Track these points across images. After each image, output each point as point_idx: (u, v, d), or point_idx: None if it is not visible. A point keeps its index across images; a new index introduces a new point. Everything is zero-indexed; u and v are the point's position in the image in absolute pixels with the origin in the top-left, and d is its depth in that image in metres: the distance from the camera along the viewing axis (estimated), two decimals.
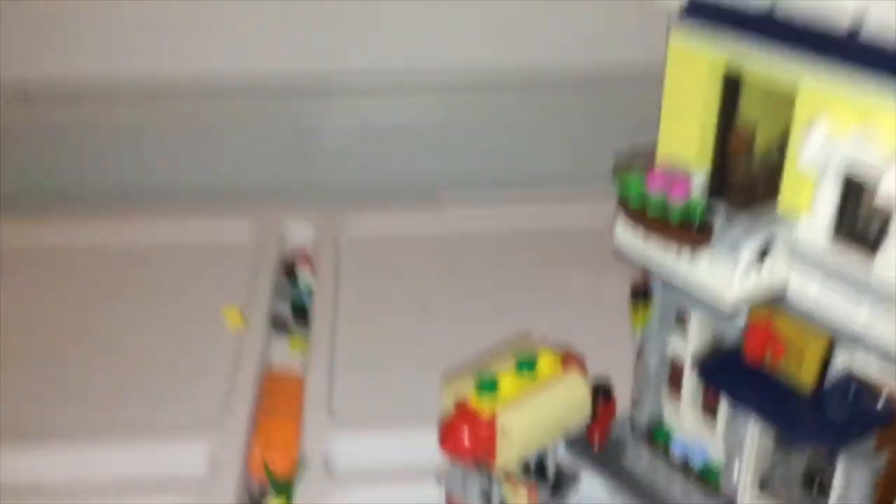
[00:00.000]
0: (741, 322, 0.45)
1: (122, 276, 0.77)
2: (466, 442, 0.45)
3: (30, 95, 0.86)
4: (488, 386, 0.46)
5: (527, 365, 0.48)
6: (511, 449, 0.45)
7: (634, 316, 0.51)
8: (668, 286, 0.49)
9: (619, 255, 0.48)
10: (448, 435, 0.45)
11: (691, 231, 0.42)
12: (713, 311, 0.45)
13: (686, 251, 0.43)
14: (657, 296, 0.50)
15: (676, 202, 0.42)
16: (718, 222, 0.42)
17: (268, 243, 0.80)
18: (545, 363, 0.48)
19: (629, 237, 0.48)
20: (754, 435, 0.47)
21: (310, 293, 0.74)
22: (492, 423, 0.45)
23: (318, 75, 0.88)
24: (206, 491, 0.55)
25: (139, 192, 0.90)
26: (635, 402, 0.56)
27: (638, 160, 0.47)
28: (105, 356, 0.67)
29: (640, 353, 0.54)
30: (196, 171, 0.90)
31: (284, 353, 0.69)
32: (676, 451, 0.54)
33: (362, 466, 0.58)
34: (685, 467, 0.53)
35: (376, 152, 0.91)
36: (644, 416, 0.55)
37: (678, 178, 0.43)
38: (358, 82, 0.89)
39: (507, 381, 0.47)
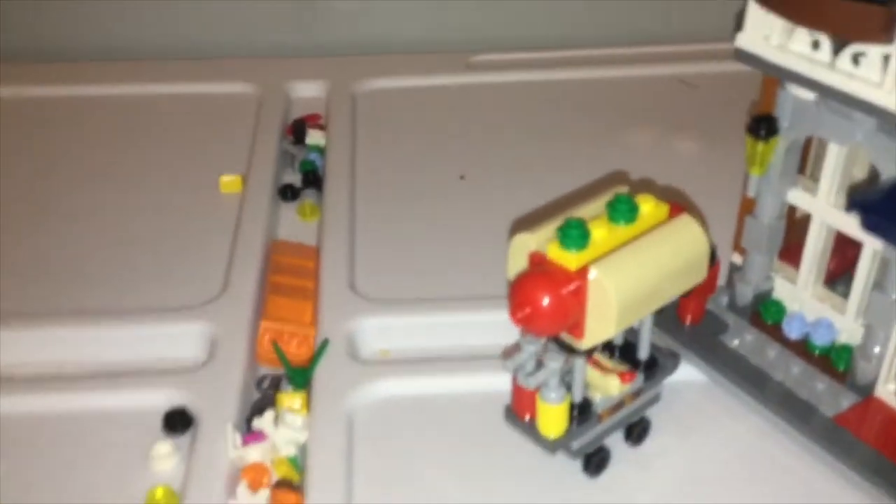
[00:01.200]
0: None
1: (119, 138, 0.65)
2: (547, 306, 0.33)
3: None
4: (576, 235, 0.33)
5: (624, 211, 0.35)
6: (607, 318, 0.34)
7: (751, 155, 0.40)
8: (803, 107, 0.38)
9: (744, 59, 0.37)
10: (521, 298, 0.33)
11: (871, 5, 0.30)
12: (887, 129, 0.33)
13: (861, 37, 0.31)
14: (787, 121, 0.39)
15: None
16: None
17: (272, 102, 0.68)
18: (648, 210, 0.36)
19: (759, 35, 0.36)
20: None
21: (321, 155, 0.62)
22: (581, 281, 0.33)
23: None
24: (207, 378, 0.44)
25: (138, 49, 0.77)
26: (739, 270, 0.45)
27: None
28: (95, 226, 0.57)
29: (749, 206, 0.43)
30: (191, 27, 0.77)
31: (293, 223, 0.58)
32: (791, 329, 0.43)
33: (396, 352, 0.48)
34: (802, 348, 0.43)
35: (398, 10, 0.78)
36: (750, 287, 0.44)
37: None
38: None
39: (601, 232, 0.34)
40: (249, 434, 0.42)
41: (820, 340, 0.42)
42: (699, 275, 0.37)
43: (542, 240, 0.35)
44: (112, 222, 0.57)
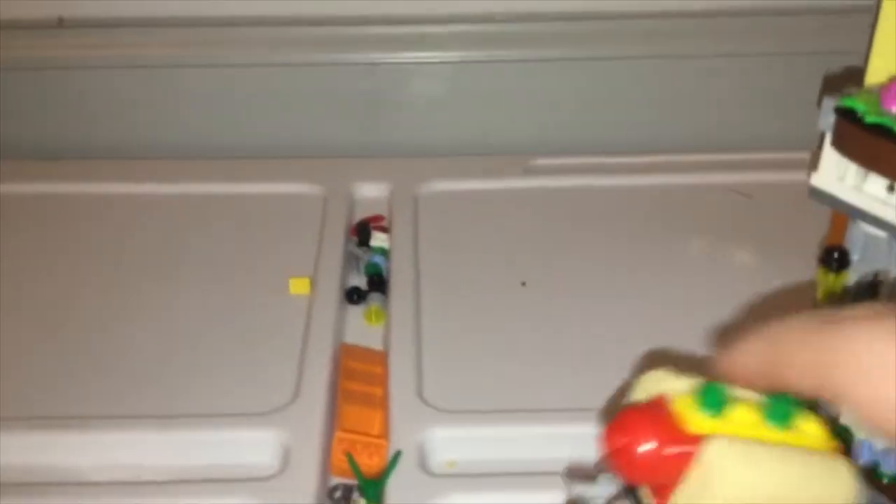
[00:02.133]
0: None
1: (187, 237, 0.67)
2: (646, 450, 0.29)
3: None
4: (715, 398, 0.30)
5: (779, 414, 0.30)
6: (701, 491, 0.29)
7: (822, 284, 0.41)
8: (875, 243, 0.39)
9: (818, 197, 0.38)
10: (624, 426, 0.30)
11: None
12: None
13: None
14: (858, 254, 0.40)
15: None
16: None
17: (336, 203, 0.70)
18: (809, 426, 0.30)
19: (834, 175, 0.37)
20: None
21: (385, 257, 0.64)
22: (694, 448, 0.29)
23: (396, 21, 0.77)
24: (280, 487, 0.46)
25: (208, 148, 0.80)
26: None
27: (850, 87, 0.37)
28: (159, 331, 0.58)
29: None
30: (257, 129, 0.80)
31: (360, 327, 0.59)
32: (860, 455, 0.43)
33: (464, 464, 0.49)
34: (871, 476, 0.43)
35: (461, 115, 0.80)
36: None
37: None
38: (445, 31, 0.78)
39: (742, 413, 0.30)
40: None
41: (889, 468, 0.42)
42: None
43: (678, 387, 0.31)
44: (181, 324, 0.58)
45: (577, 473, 0.38)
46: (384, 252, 0.65)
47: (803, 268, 0.47)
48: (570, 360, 0.55)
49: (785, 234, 0.64)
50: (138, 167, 0.75)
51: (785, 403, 0.29)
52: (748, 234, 0.66)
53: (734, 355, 0.29)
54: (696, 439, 0.29)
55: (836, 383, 0.25)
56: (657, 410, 0.30)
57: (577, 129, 0.80)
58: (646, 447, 0.29)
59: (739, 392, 0.30)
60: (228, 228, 0.68)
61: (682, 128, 0.80)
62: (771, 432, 0.29)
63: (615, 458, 0.30)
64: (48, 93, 0.78)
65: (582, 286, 0.61)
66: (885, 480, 0.42)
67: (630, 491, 0.31)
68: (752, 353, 0.29)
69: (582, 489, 0.34)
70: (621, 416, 0.30)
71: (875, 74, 0.38)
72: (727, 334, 0.30)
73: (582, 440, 0.48)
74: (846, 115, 0.35)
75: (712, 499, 0.28)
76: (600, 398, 0.52)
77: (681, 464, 0.29)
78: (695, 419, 0.29)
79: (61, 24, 0.78)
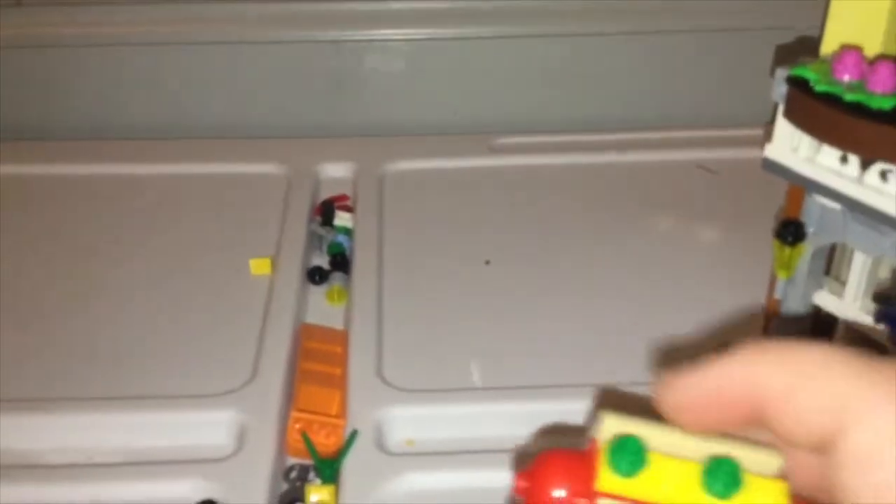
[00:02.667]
0: None
1: (146, 218, 0.66)
2: (548, 493, 0.25)
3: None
4: (623, 457, 0.25)
5: (721, 480, 0.24)
6: None
7: (778, 257, 0.40)
8: (830, 215, 0.39)
9: (771, 169, 0.38)
10: (530, 472, 0.26)
11: None
12: None
13: (889, 158, 0.32)
14: (814, 227, 0.39)
15: (880, 90, 0.31)
16: None
17: (300, 183, 0.69)
18: (760, 487, 0.24)
19: (788, 147, 0.37)
20: None
21: (349, 237, 0.63)
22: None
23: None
24: (236, 468, 0.45)
25: (168, 128, 0.79)
26: None
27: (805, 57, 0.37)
28: (117, 311, 0.57)
29: (775, 307, 0.44)
30: (222, 109, 0.79)
31: (321, 307, 0.59)
32: None
33: (423, 443, 0.48)
34: None
35: (426, 93, 0.79)
36: None
37: (883, 64, 0.32)
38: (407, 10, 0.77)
39: (669, 475, 0.25)
40: None
41: None
42: None
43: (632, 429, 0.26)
44: (140, 305, 0.57)
45: None
46: (348, 231, 0.64)
47: (770, 244, 0.47)
48: (531, 338, 0.54)
49: (751, 210, 0.64)
50: (97, 148, 0.74)
51: (731, 466, 0.24)
52: (714, 211, 0.66)
53: (686, 382, 0.24)
54: (593, 494, 0.25)
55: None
56: (580, 459, 0.26)
57: (542, 108, 0.80)
58: (552, 494, 0.25)
59: (683, 442, 0.25)
60: (191, 209, 0.67)
61: (647, 105, 0.80)
62: (713, 501, 0.24)
63: (523, 498, 0.26)
64: (3, 73, 0.77)
65: (546, 264, 0.61)
66: None
67: None
68: (718, 379, 0.23)
69: None
70: (540, 457, 0.26)
71: (830, 44, 0.37)
72: (673, 356, 0.26)
73: (542, 417, 0.49)
74: (798, 85, 0.34)
75: None
76: (562, 376, 0.51)
77: None
78: (606, 477, 0.25)
79: (19, 3, 0.77)
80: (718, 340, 0.52)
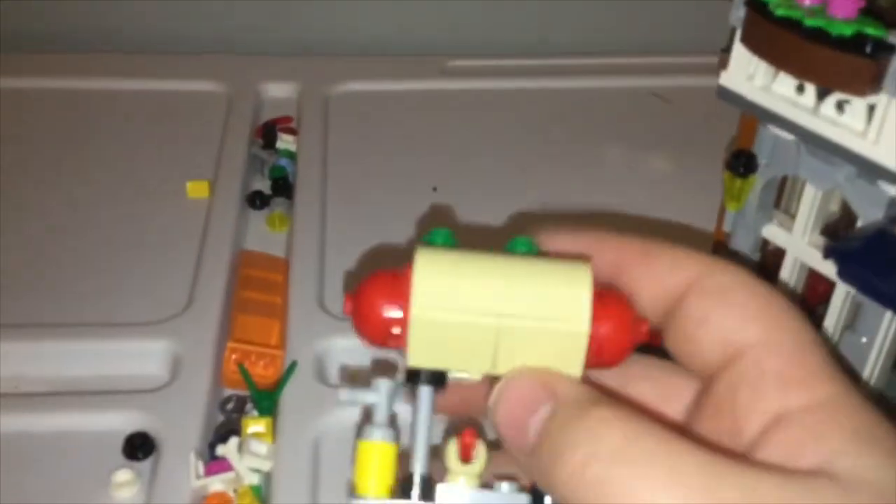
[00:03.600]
0: None
1: (76, 135, 0.63)
2: (369, 285, 0.25)
3: None
4: (440, 239, 0.26)
5: (523, 247, 0.27)
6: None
7: (728, 189, 0.39)
8: (783, 147, 0.37)
9: (726, 97, 0.36)
10: (355, 294, 0.25)
11: (862, 57, 0.29)
12: (870, 177, 0.33)
13: (847, 88, 0.31)
14: (766, 159, 0.38)
15: (841, 15, 0.30)
16: None
17: (242, 102, 0.66)
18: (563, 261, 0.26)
19: (743, 75, 0.36)
20: (890, 346, 0.37)
21: (292, 161, 0.61)
22: (407, 267, 0.25)
23: None
24: (169, 399, 0.43)
25: (100, 41, 0.74)
26: None
27: None
28: (47, 234, 0.55)
29: (720, 245, 0.43)
30: (159, 21, 0.75)
31: (261, 234, 0.57)
32: None
33: (362, 375, 0.47)
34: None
35: (376, 12, 0.76)
36: None
37: None
38: None
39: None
40: (213, 461, 0.41)
41: None
42: (571, 363, 0.24)
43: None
44: (67, 227, 0.55)
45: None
46: (290, 155, 0.62)
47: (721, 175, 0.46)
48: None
49: (704, 140, 0.63)
50: (29, 60, 0.70)
51: (528, 242, 0.26)
52: (667, 139, 0.65)
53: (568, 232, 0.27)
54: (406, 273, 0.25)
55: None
56: (399, 277, 0.25)
57: (495, 30, 0.77)
58: (368, 283, 0.25)
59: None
60: (125, 127, 0.64)
61: (603, 30, 0.78)
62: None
63: (354, 321, 0.26)
64: None
65: (494, 191, 0.59)
66: None
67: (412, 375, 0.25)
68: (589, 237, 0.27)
69: (355, 395, 0.26)
70: (364, 279, 0.26)
71: None
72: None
73: None
74: (757, 9, 0.32)
75: (413, 309, 0.24)
76: None
77: (403, 289, 0.25)
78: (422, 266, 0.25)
79: None
80: None
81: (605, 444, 0.21)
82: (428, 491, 0.25)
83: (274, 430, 0.42)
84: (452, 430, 0.26)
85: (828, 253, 0.35)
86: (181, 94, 0.67)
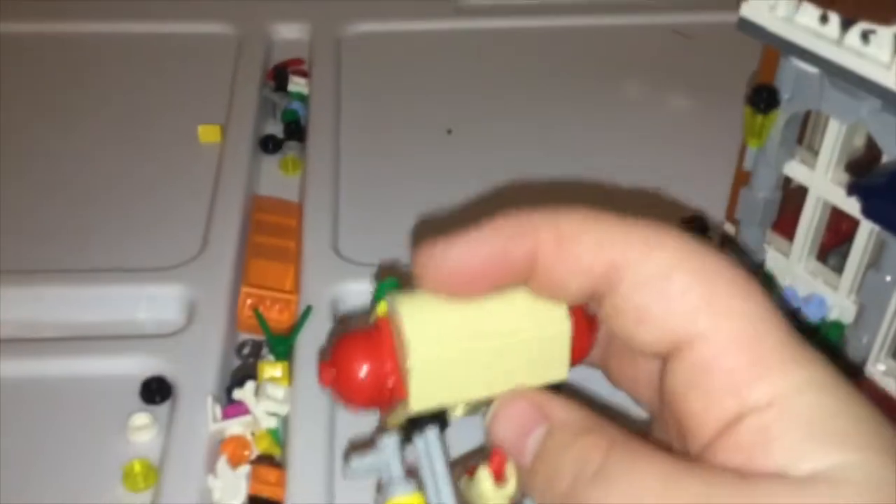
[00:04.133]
0: None
1: (85, 81, 0.63)
2: (343, 350, 0.25)
3: None
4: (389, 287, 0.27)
5: None
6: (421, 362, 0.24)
7: (749, 124, 0.38)
8: (806, 80, 0.36)
9: (747, 29, 0.35)
10: (331, 363, 0.25)
11: None
12: (894, 110, 0.32)
13: (873, 17, 0.29)
14: (788, 93, 0.37)
15: None
16: None
17: (252, 44, 0.65)
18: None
19: (765, 5, 0.34)
20: None
21: (304, 104, 0.60)
22: (382, 320, 0.25)
23: None
24: (185, 344, 0.43)
25: None
26: (730, 241, 0.44)
27: None
28: (60, 181, 0.54)
29: (744, 177, 0.42)
30: None
31: (274, 178, 0.56)
32: (782, 304, 0.42)
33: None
34: (795, 323, 0.42)
35: None
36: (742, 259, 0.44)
37: None
38: None
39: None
40: (230, 405, 0.41)
41: (812, 316, 0.41)
42: (558, 366, 0.25)
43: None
44: (78, 174, 0.55)
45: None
46: (303, 98, 0.61)
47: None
48: (495, 210, 0.53)
49: (727, 76, 0.61)
50: (32, 6, 0.69)
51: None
52: (689, 76, 0.63)
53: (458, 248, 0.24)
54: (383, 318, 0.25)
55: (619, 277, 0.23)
56: (373, 335, 0.25)
57: None
58: (342, 348, 0.25)
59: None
60: (134, 72, 0.63)
61: None
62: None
63: (339, 393, 0.25)
64: None
65: (512, 133, 0.58)
66: (808, 328, 0.41)
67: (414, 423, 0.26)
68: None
69: (363, 462, 0.26)
70: (336, 343, 0.25)
71: None
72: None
73: None
74: None
75: (411, 353, 0.24)
76: None
77: (383, 341, 0.24)
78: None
79: None
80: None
81: (588, 468, 0.22)
82: None
83: (290, 374, 0.42)
84: (465, 464, 0.26)
85: (851, 189, 0.34)
86: (190, 36, 0.66)
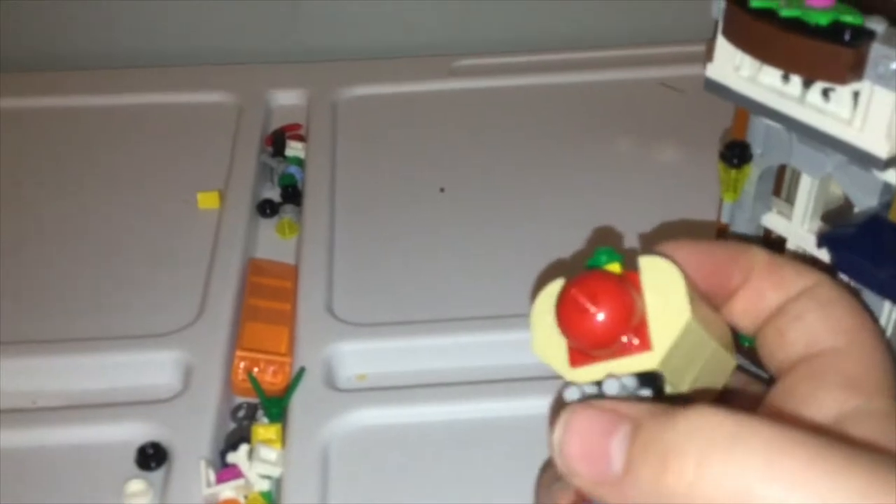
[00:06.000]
0: (894, 179, 0.33)
1: (87, 150, 0.64)
2: (609, 291, 0.25)
3: None
4: (609, 253, 0.27)
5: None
6: (673, 305, 0.26)
7: (723, 180, 0.39)
8: (775, 136, 0.37)
9: (714, 89, 0.36)
10: (577, 304, 0.25)
11: (840, 45, 0.29)
12: (859, 164, 0.33)
13: (827, 77, 0.30)
14: (760, 148, 0.38)
15: (817, 4, 0.30)
16: (880, 37, 0.30)
17: (251, 111, 0.67)
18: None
19: (729, 66, 0.35)
20: (892, 334, 0.36)
21: (301, 168, 0.62)
22: (631, 273, 0.26)
23: None
24: (181, 409, 0.44)
25: (108, 56, 0.76)
26: None
27: None
28: (60, 247, 0.56)
29: (723, 230, 0.42)
30: (166, 33, 0.76)
31: (271, 241, 0.57)
32: None
33: (373, 379, 0.47)
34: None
35: (382, 14, 0.76)
36: None
37: None
38: None
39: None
40: (224, 469, 0.42)
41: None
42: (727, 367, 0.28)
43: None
44: (83, 241, 0.56)
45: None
46: (299, 162, 0.62)
47: None
48: (486, 268, 0.53)
49: (718, 129, 0.62)
50: (40, 78, 0.71)
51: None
52: (680, 130, 0.64)
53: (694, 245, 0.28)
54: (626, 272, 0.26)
55: None
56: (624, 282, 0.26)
57: (503, 28, 0.77)
58: (608, 288, 0.25)
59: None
60: (136, 140, 0.65)
61: (611, 22, 0.77)
62: None
63: (591, 330, 0.25)
64: None
65: (505, 190, 0.59)
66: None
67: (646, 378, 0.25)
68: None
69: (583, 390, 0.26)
70: (562, 309, 0.25)
71: None
72: None
73: (496, 348, 0.48)
74: (735, 1, 0.32)
75: (675, 287, 0.26)
76: (518, 306, 0.50)
77: (631, 292, 0.25)
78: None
79: None
80: None
81: (718, 437, 0.19)
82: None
83: (284, 437, 0.43)
84: None
85: (821, 241, 0.35)
86: (190, 105, 0.68)
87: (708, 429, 0.19)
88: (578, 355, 0.26)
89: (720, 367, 0.28)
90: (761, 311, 0.27)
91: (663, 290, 0.26)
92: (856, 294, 0.28)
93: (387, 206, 0.59)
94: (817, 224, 0.39)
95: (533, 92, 0.69)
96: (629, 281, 0.26)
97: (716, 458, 0.19)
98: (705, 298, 0.28)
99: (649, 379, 0.25)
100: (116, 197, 0.60)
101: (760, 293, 0.27)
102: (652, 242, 0.52)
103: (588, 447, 0.22)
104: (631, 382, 0.25)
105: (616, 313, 0.25)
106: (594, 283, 0.25)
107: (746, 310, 0.28)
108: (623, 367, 0.25)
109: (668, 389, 0.26)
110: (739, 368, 0.30)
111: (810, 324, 0.26)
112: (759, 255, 0.28)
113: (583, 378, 0.26)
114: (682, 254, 0.27)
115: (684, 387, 0.26)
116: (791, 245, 0.40)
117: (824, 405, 0.24)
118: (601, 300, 0.25)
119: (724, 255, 0.28)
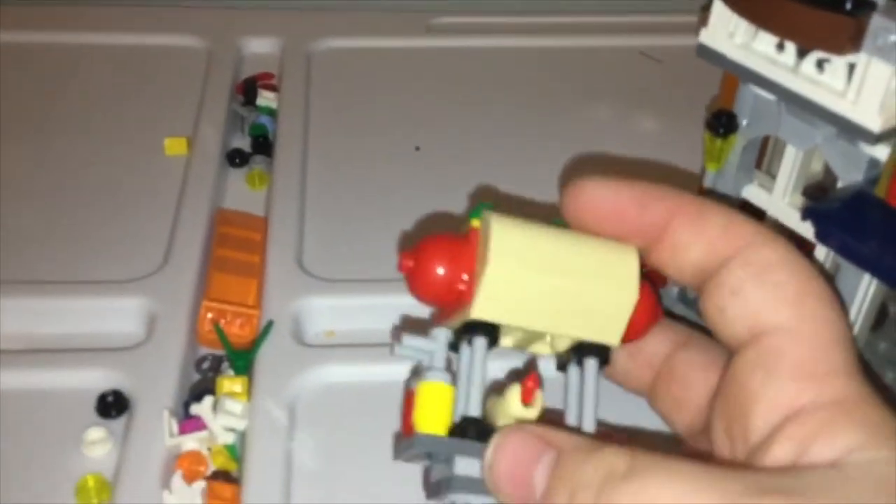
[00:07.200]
0: (883, 155, 0.33)
1: (50, 92, 0.62)
2: (430, 244, 0.28)
3: None
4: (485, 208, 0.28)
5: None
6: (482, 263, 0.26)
7: (708, 149, 0.39)
8: (763, 106, 0.37)
9: (706, 56, 0.35)
10: (413, 249, 0.28)
11: (841, 14, 0.29)
12: (849, 137, 0.33)
13: (826, 47, 0.30)
14: (746, 118, 0.38)
15: None
16: (880, 9, 0.29)
17: (222, 57, 0.65)
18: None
19: (723, 32, 0.35)
20: (868, 308, 0.36)
21: (272, 118, 0.60)
22: (471, 228, 0.28)
23: None
24: (144, 358, 0.43)
25: None
26: None
27: None
28: (22, 191, 0.54)
29: (704, 191, 0.42)
30: None
31: (241, 192, 0.56)
32: None
33: (342, 335, 0.47)
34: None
35: None
36: None
37: None
38: None
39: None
40: (187, 420, 0.41)
41: None
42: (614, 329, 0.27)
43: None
44: (47, 185, 0.54)
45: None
46: (271, 112, 0.61)
47: None
48: (457, 227, 0.53)
49: (695, 99, 0.61)
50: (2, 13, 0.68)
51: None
52: (657, 100, 0.64)
53: (610, 186, 0.27)
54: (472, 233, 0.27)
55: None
56: (461, 242, 0.28)
57: None
58: (428, 243, 0.28)
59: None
60: (102, 83, 0.63)
61: None
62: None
63: (412, 278, 0.29)
64: None
65: (480, 151, 0.59)
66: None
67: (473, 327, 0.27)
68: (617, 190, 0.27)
69: (412, 342, 0.29)
70: (424, 239, 0.29)
71: None
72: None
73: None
74: None
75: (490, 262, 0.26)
76: None
77: (468, 248, 0.27)
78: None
79: None
80: None
81: (616, 471, 0.21)
82: (483, 432, 0.26)
83: (249, 390, 0.42)
84: (510, 379, 0.29)
85: (805, 214, 0.35)
86: (159, 48, 0.66)
87: (610, 466, 0.22)
88: (441, 314, 0.29)
89: (600, 306, 0.26)
90: (686, 264, 0.26)
91: (483, 242, 0.26)
92: (795, 243, 0.26)
93: (360, 161, 0.57)
94: (798, 198, 0.39)
95: (511, 54, 0.68)
96: (472, 238, 0.27)
97: (611, 490, 0.21)
98: (609, 240, 0.27)
99: (480, 328, 0.26)
100: (81, 139, 0.58)
101: (684, 245, 0.26)
102: None
103: (514, 470, 0.24)
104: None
105: (424, 269, 0.27)
106: (420, 244, 0.28)
107: (672, 261, 0.26)
108: (458, 320, 0.27)
109: (508, 342, 0.28)
110: (684, 320, 0.30)
111: (750, 299, 0.24)
112: (684, 199, 0.26)
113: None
114: (586, 191, 0.27)
115: (542, 327, 0.27)
116: (770, 217, 0.41)
117: (777, 403, 0.23)
118: (417, 258, 0.27)
119: (629, 195, 0.26)
